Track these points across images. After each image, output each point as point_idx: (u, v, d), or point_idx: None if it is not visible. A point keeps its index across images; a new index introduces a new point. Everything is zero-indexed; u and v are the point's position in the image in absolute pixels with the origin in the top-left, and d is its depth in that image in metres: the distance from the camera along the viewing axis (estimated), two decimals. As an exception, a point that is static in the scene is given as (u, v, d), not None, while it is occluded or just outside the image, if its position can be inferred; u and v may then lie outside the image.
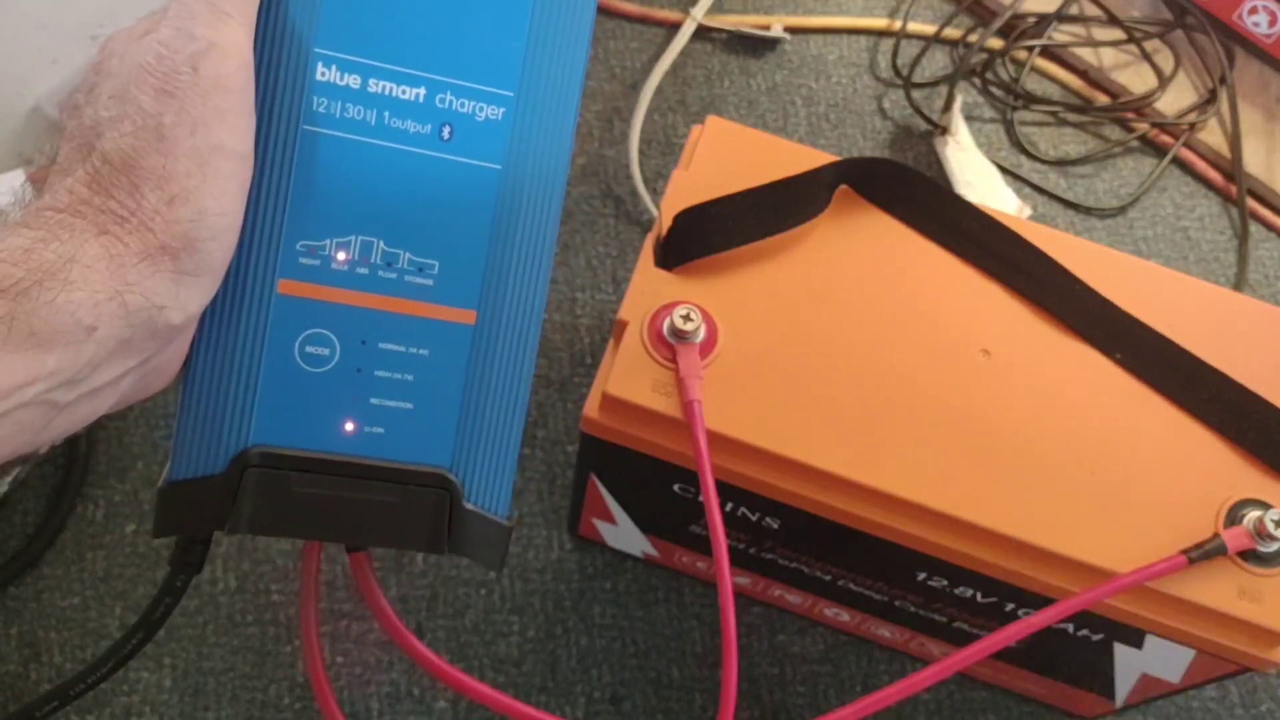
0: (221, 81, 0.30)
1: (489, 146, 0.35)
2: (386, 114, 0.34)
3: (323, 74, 0.33)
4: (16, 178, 0.57)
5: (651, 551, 0.57)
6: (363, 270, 0.34)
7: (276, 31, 0.33)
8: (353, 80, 0.33)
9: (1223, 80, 0.73)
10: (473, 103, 0.35)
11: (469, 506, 0.35)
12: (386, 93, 0.34)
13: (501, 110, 0.35)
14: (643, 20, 0.73)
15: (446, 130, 0.34)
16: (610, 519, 0.54)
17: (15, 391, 0.27)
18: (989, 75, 0.74)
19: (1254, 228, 0.71)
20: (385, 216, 0.34)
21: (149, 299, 0.30)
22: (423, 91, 0.34)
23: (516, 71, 0.35)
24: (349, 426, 0.34)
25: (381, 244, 0.34)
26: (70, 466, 0.57)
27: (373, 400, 0.35)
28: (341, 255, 0.34)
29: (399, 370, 0.35)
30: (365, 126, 0.34)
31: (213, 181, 0.30)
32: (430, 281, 0.35)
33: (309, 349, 0.34)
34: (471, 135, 0.35)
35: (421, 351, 0.35)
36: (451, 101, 0.34)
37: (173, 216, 0.30)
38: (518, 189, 0.35)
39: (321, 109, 0.33)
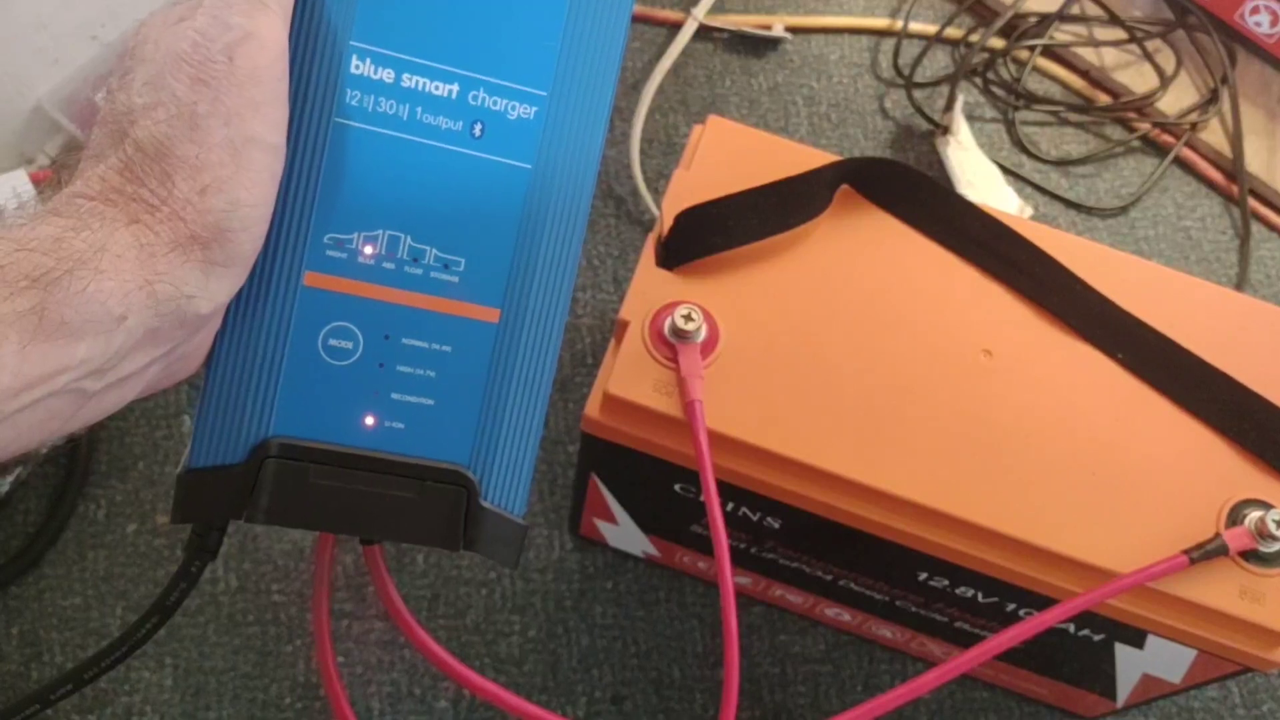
0: (257, 72, 0.30)
1: (520, 145, 0.35)
2: (419, 109, 0.34)
3: (357, 67, 0.33)
4: (18, 177, 0.57)
5: (652, 551, 0.57)
6: (389, 265, 0.34)
7: (312, 23, 0.33)
8: (386, 74, 0.33)
9: (1224, 80, 0.73)
10: (505, 101, 0.34)
11: (485, 504, 0.35)
12: (420, 88, 0.34)
13: (534, 109, 0.35)
14: (644, 20, 0.73)
15: (478, 127, 0.34)
16: (611, 519, 0.54)
17: (46, 380, 0.27)
18: (990, 75, 0.74)
19: (1255, 228, 0.71)
20: (413, 212, 0.34)
21: (178, 288, 0.29)
22: (456, 88, 0.34)
23: (550, 71, 0.35)
24: (369, 421, 0.35)
25: (409, 239, 0.34)
26: (72, 466, 0.57)
27: (394, 395, 0.35)
28: (368, 249, 0.34)
29: (421, 366, 0.35)
30: (397, 121, 0.34)
31: (245, 172, 0.30)
32: (455, 278, 0.35)
33: (332, 342, 0.34)
34: (503, 133, 0.35)
35: (444, 348, 0.35)
36: (484, 99, 0.34)
37: (204, 206, 0.30)
38: (547, 189, 0.35)
39: (354, 102, 0.33)
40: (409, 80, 0.34)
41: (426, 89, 0.34)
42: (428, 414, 0.35)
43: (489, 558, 0.36)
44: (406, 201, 0.34)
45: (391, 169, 0.34)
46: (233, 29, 0.30)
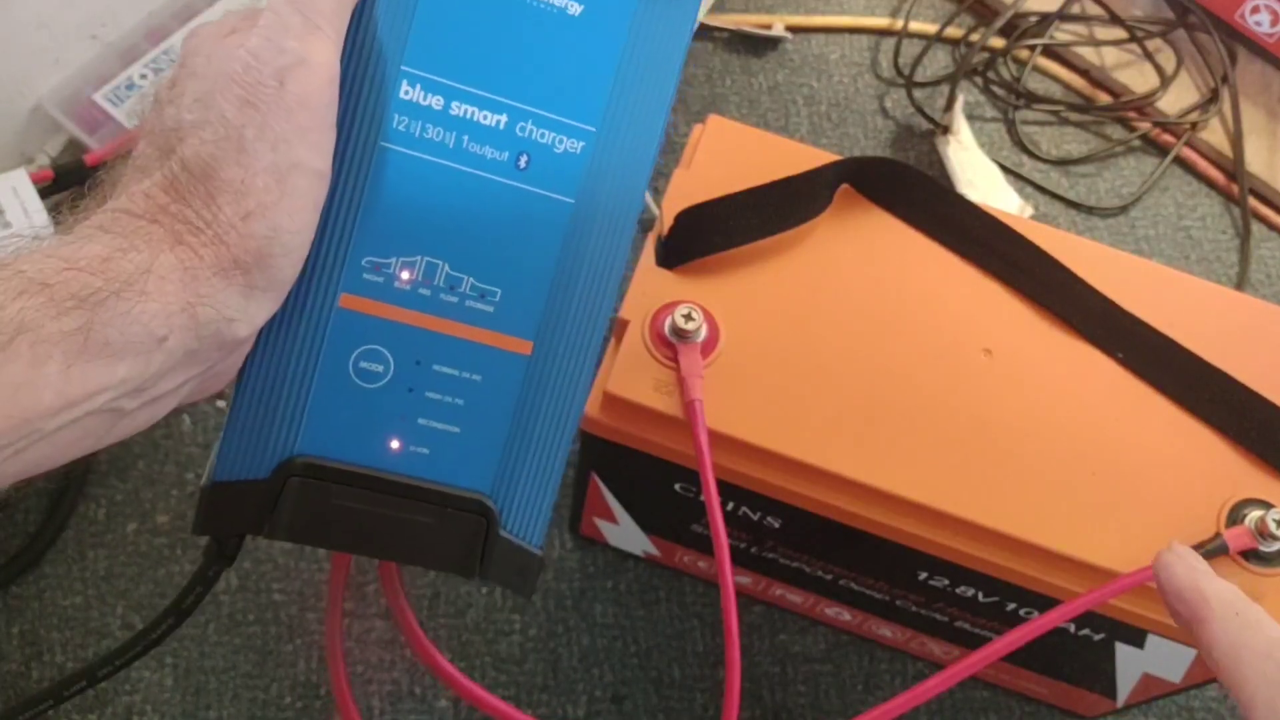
0: (307, 98, 0.30)
1: (564, 179, 0.35)
2: (465, 138, 0.34)
3: (406, 92, 0.33)
4: (18, 177, 0.57)
5: (653, 551, 0.57)
6: (425, 291, 0.34)
7: (365, 46, 0.33)
8: (435, 101, 0.33)
9: (1224, 79, 0.73)
10: (553, 134, 0.34)
11: (504, 534, 0.35)
12: (468, 116, 0.34)
13: (581, 144, 0.35)
14: (644, 19, 0.73)
15: (523, 159, 0.34)
16: (612, 518, 0.54)
17: (87, 399, 0.28)
18: (991, 74, 0.74)
19: (1256, 227, 0.71)
20: (453, 240, 0.34)
21: (219, 311, 0.30)
22: (504, 118, 0.34)
23: (601, 107, 0.34)
24: (395, 444, 0.34)
25: (446, 267, 0.34)
26: (72, 466, 0.57)
27: (421, 421, 0.35)
28: (406, 275, 0.34)
29: (450, 394, 0.35)
30: (443, 148, 0.34)
31: (289, 199, 0.30)
32: (491, 308, 0.35)
33: (363, 365, 0.34)
34: (548, 166, 0.34)
35: (474, 377, 0.35)
36: (532, 131, 0.34)
37: (247, 231, 0.29)
38: (588, 225, 0.35)
39: (401, 127, 0.33)
40: (458, 108, 0.34)
41: (474, 118, 0.34)
42: (453, 441, 0.35)
43: (504, 587, 0.36)
44: (447, 229, 0.34)
45: (434, 196, 0.34)
46: (286, 53, 0.30)
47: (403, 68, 0.33)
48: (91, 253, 0.28)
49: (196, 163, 0.29)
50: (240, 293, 0.30)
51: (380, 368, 0.34)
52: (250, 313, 0.31)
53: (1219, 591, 0.33)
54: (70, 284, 0.27)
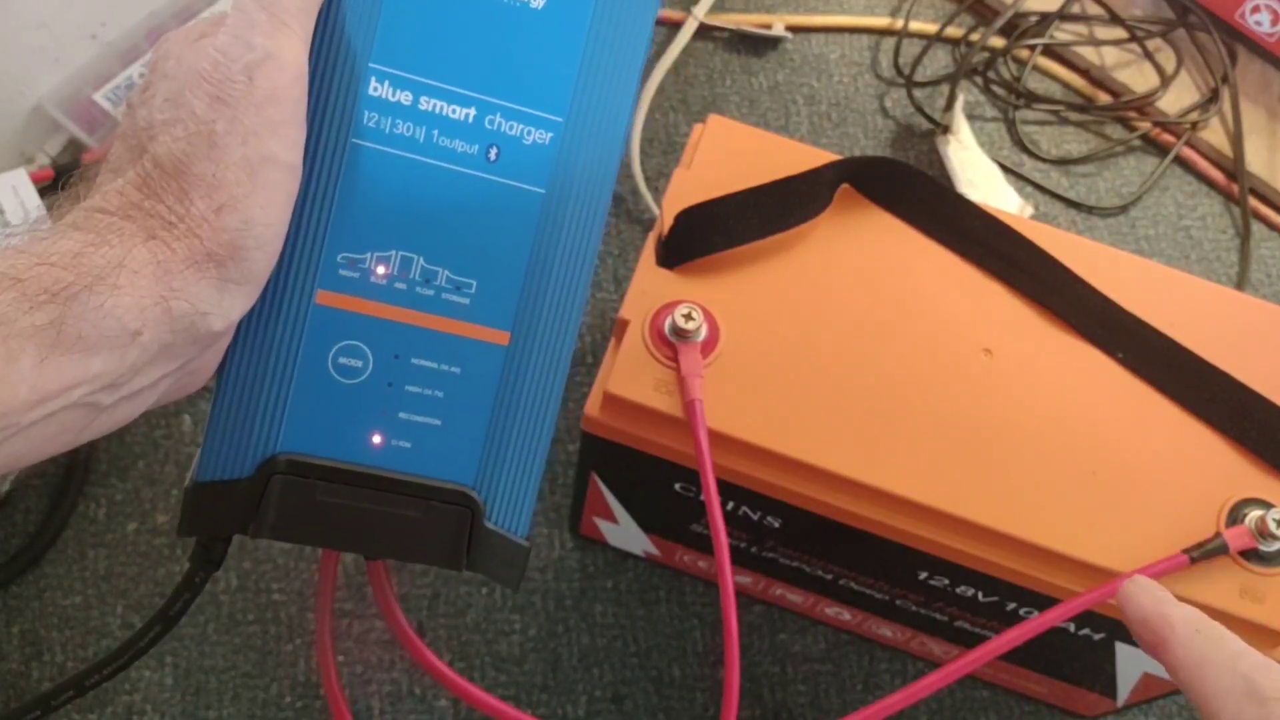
0: (276, 93, 0.30)
1: (534, 170, 0.35)
2: (435, 132, 0.34)
3: (375, 89, 0.33)
4: (18, 177, 0.57)
5: (653, 550, 0.57)
6: (401, 285, 0.34)
7: (332, 44, 0.33)
8: (404, 97, 0.34)
9: (1225, 79, 0.73)
10: (521, 126, 0.35)
11: (489, 525, 0.36)
12: (437, 111, 0.34)
13: (549, 135, 0.35)
14: (644, 19, 0.73)
15: (493, 151, 0.34)
16: (611, 518, 0.54)
17: (62, 394, 0.28)
18: (991, 74, 0.74)
19: (1256, 227, 0.71)
20: (427, 233, 0.34)
21: (193, 305, 0.30)
22: (473, 112, 0.34)
23: (567, 97, 0.35)
24: (376, 439, 0.35)
25: (421, 260, 0.34)
26: (72, 465, 0.57)
27: (402, 415, 0.35)
28: (381, 269, 0.34)
29: (430, 386, 0.35)
30: (413, 143, 0.34)
31: (261, 191, 0.30)
32: (466, 300, 0.35)
33: (342, 360, 0.34)
34: (518, 158, 0.35)
35: (453, 369, 0.35)
36: (500, 123, 0.34)
37: (220, 224, 0.30)
38: (559, 214, 0.35)
39: (371, 124, 0.34)
40: (426, 103, 0.34)
41: (443, 112, 0.34)
42: (435, 434, 0.35)
43: (491, 578, 0.36)
44: (420, 223, 0.34)
45: (406, 190, 0.34)
46: (254, 49, 0.30)
47: (370, 65, 0.33)
48: (63, 248, 0.28)
49: (168, 159, 0.30)
50: (214, 286, 0.30)
51: (359, 363, 0.34)
52: (225, 306, 0.31)
53: (1182, 614, 0.34)
54: (42, 279, 0.27)
